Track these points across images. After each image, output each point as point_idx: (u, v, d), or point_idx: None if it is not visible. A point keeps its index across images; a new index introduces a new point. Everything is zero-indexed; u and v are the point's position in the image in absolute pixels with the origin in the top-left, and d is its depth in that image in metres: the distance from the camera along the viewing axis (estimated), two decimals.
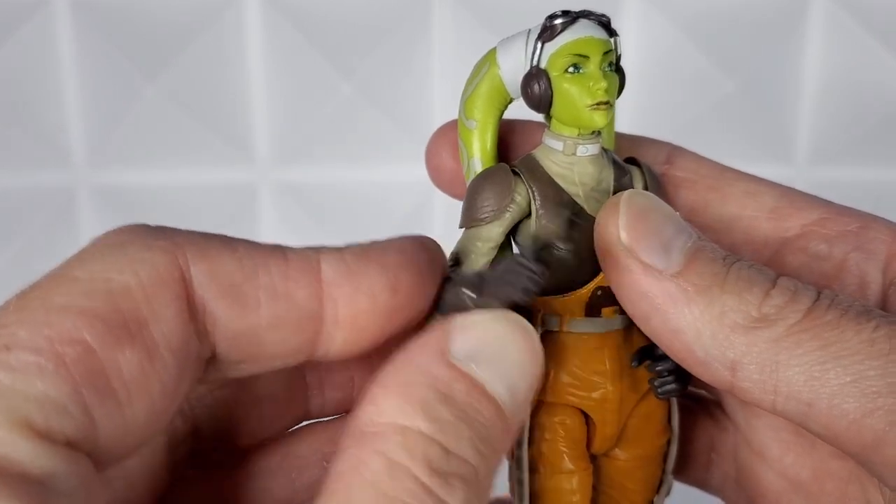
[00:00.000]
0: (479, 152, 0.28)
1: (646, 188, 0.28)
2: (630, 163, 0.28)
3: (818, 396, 0.22)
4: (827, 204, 0.29)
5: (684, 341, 0.24)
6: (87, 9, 0.58)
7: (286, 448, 0.29)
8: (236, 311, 0.22)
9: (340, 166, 0.60)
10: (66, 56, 0.58)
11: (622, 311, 0.26)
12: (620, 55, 0.27)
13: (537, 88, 0.26)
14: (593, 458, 0.30)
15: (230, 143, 0.60)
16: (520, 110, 0.28)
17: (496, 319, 0.23)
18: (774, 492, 0.30)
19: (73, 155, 0.60)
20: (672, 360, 0.26)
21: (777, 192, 0.29)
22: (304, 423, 0.30)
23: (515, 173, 0.27)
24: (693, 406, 0.32)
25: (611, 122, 0.29)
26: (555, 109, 0.26)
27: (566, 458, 0.28)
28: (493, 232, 0.27)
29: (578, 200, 0.27)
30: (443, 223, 0.60)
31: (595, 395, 0.28)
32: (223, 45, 0.59)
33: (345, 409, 0.30)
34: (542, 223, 0.27)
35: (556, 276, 0.27)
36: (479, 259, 0.27)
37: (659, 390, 0.28)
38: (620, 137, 0.30)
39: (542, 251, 0.26)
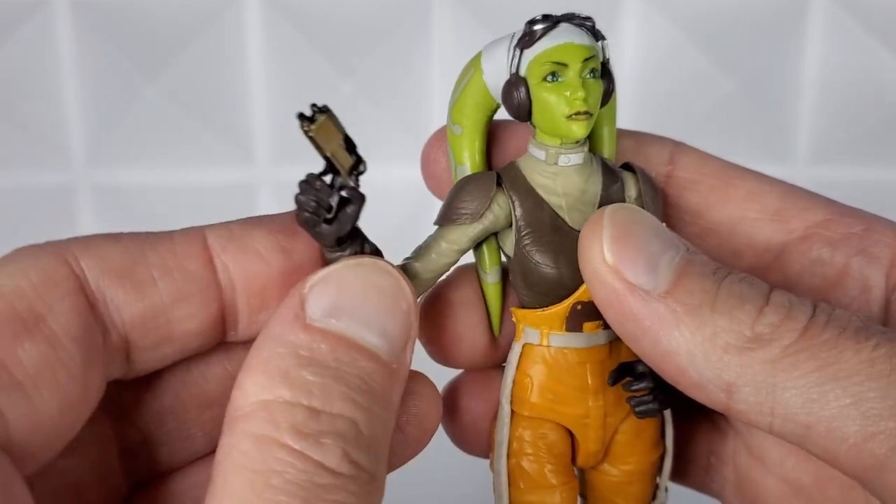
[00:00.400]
0: (467, 159, 0.27)
1: (640, 195, 0.27)
2: (626, 168, 0.27)
3: (817, 419, 0.21)
4: (831, 204, 0.28)
5: (677, 364, 0.23)
6: (87, 9, 0.58)
7: None
8: (134, 293, 0.23)
9: None
10: (66, 56, 0.58)
11: (607, 326, 0.25)
12: (608, 59, 0.26)
13: (516, 97, 0.25)
14: (583, 472, 0.29)
15: (230, 143, 0.60)
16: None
17: (347, 267, 0.23)
18: (775, 497, 0.29)
19: (72, 155, 0.60)
20: (651, 379, 0.26)
21: (780, 191, 0.29)
22: None
23: (500, 183, 0.26)
24: (692, 410, 0.31)
25: (611, 127, 0.28)
26: (535, 118, 0.25)
27: (547, 474, 0.27)
28: (462, 237, 0.26)
29: (560, 212, 0.26)
30: None
31: (575, 411, 0.27)
32: (223, 45, 0.59)
33: None
34: (521, 235, 0.26)
35: (536, 289, 0.26)
36: (439, 259, 0.26)
37: (636, 410, 0.27)
38: (623, 135, 0.29)
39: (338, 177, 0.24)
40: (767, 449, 0.29)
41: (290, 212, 0.25)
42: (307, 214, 0.23)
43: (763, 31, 0.60)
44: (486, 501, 0.28)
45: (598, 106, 0.25)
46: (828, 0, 0.59)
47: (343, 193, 0.23)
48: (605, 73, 0.26)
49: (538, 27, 0.25)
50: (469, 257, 0.28)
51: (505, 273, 0.28)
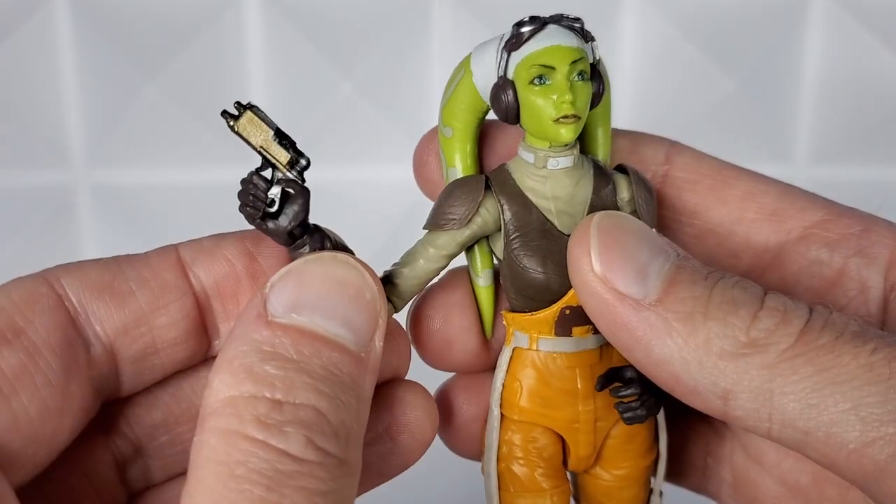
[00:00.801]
0: (458, 161, 0.27)
1: (632, 198, 0.26)
2: (620, 169, 0.27)
3: (816, 425, 0.21)
4: (829, 204, 0.28)
5: (671, 372, 0.22)
6: (87, 9, 0.58)
7: None
8: (114, 304, 0.24)
9: (339, 165, 0.60)
10: (66, 56, 0.58)
11: (597, 331, 0.25)
12: (599, 60, 0.25)
13: (504, 100, 0.25)
14: (576, 476, 0.29)
15: (230, 143, 0.60)
16: None
17: (306, 263, 0.23)
18: (772, 497, 0.29)
19: (72, 155, 0.60)
20: (639, 385, 0.26)
21: (778, 191, 0.28)
22: None
23: (490, 186, 0.26)
24: (688, 412, 0.31)
25: (605, 128, 0.28)
26: (523, 121, 0.25)
27: (537, 477, 0.27)
28: (450, 242, 0.26)
29: (549, 216, 0.26)
30: None
31: (565, 415, 0.27)
32: (223, 45, 0.59)
33: None
34: (510, 239, 0.26)
35: (524, 293, 0.26)
36: (427, 264, 0.26)
37: (624, 416, 0.26)
38: (618, 135, 0.29)
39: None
40: (765, 450, 0.29)
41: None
42: (247, 209, 0.24)
43: (763, 31, 0.60)
44: None
45: (587, 108, 0.25)
46: None
47: (284, 188, 0.23)
48: (594, 74, 0.25)
49: (525, 29, 0.25)
50: (462, 260, 0.28)
51: (497, 276, 0.28)
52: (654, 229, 0.25)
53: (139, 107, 0.59)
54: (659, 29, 0.59)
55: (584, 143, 0.28)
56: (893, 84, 0.61)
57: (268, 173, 0.24)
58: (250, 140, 0.24)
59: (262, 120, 0.24)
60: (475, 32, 0.59)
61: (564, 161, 0.26)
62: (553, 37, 0.25)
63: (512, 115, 0.25)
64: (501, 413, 0.27)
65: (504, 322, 0.28)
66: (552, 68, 0.24)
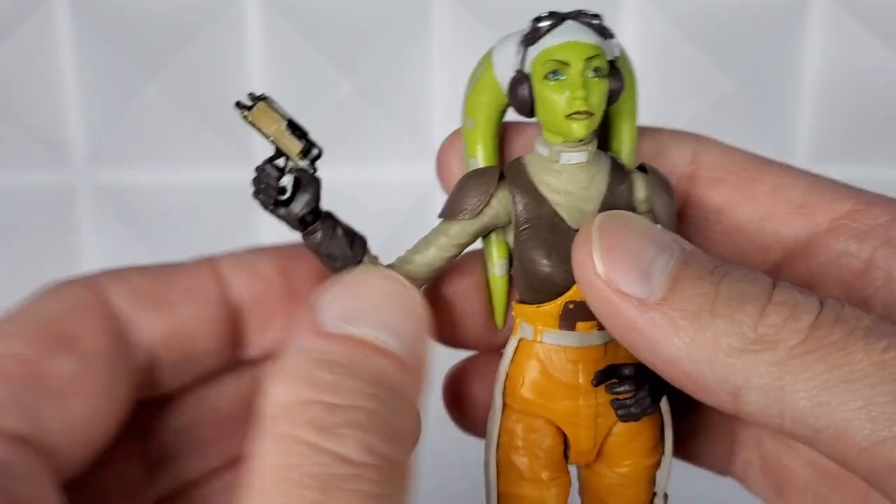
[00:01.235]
0: (478, 153, 0.27)
1: (648, 197, 0.26)
2: (641, 169, 0.27)
3: (826, 423, 0.21)
4: (858, 193, 0.28)
5: (681, 370, 0.22)
6: (87, 8, 0.58)
7: None
8: (156, 314, 0.26)
9: (339, 165, 0.60)
10: (66, 56, 0.58)
11: (602, 327, 0.25)
12: (617, 57, 0.25)
13: (520, 94, 0.25)
14: (580, 470, 0.29)
15: (230, 143, 0.60)
16: None
17: (356, 278, 0.24)
18: (802, 480, 0.29)
19: (72, 155, 0.60)
20: (634, 382, 0.26)
21: (806, 183, 0.28)
22: None
23: (505, 178, 0.26)
24: None
25: (631, 125, 0.28)
26: (538, 115, 0.25)
27: (535, 468, 0.27)
28: (462, 232, 0.27)
29: (559, 210, 0.26)
30: None
31: (565, 409, 0.27)
32: (223, 45, 0.59)
33: None
34: (519, 231, 0.26)
35: (532, 285, 0.26)
36: (439, 253, 0.27)
37: (618, 413, 0.27)
38: (644, 135, 0.29)
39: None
40: None
41: (293, 241, 0.27)
42: (260, 196, 0.25)
43: (763, 31, 0.60)
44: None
45: (603, 105, 0.25)
46: None
47: (296, 176, 0.24)
48: (613, 71, 0.25)
49: (543, 24, 0.25)
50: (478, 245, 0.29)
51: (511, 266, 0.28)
52: (662, 227, 0.24)
53: (139, 107, 0.59)
54: (659, 29, 0.59)
55: (608, 139, 0.28)
56: (893, 84, 0.61)
57: (281, 162, 0.25)
58: (263, 130, 0.24)
59: (275, 111, 0.24)
60: (475, 32, 0.59)
61: (577, 156, 0.26)
62: (569, 33, 0.25)
63: (527, 108, 0.26)
64: (504, 402, 0.28)
65: (513, 312, 0.28)
66: (566, 64, 0.24)
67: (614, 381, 0.26)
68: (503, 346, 0.28)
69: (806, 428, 0.21)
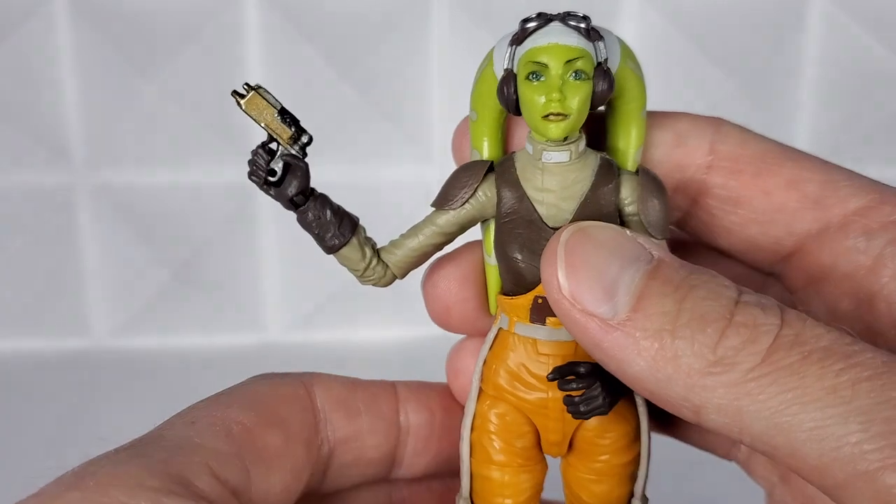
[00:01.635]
0: (481, 144, 0.28)
1: (637, 200, 0.26)
2: (640, 172, 0.27)
3: (781, 442, 0.21)
4: (873, 189, 0.28)
5: (644, 387, 0.23)
6: (87, 9, 0.58)
7: None
8: (346, 418, 0.29)
9: (339, 166, 0.60)
10: (66, 56, 0.58)
11: None
12: (605, 60, 0.26)
13: (506, 92, 0.26)
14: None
15: (229, 143, 0.60)
16: None
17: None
18: None
19: (72, 155, 0.60)
20: (583, 381, 0.26)
21: (822, 178, 0.29)
22: None
23: (494, 172, 0.27)
24: None
25: (639, 127, 0.28)
26: (522, 114, 0.26)
27: (499, 451, 0.28)
28: (448, 222, 0.27)
29: (538, 206, 0.26)
30: None
31: (534, 399, 0.27)
32: (223, 45, 0.59)
33: None
34: (500, 224, 0.27)
35: (507, 277, 0.27)
36: (426, 240, 0.27)
37: (568, 410, 0.27)
38: (661, 125, 0.29)
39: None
40: None
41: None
42: (251, 177, 0.27)
43: (763, 31, 0.60)
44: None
45: (583, 107, 0.25)
46: (827, 0, 0.59)
47: (287, 161, 0.26)
48: (600, 74, 0.25)
49: (529, 25, 0.25)
50: (478, 234, 0.29)
51: None
52: (633, 235, 0.25)
53: (139, 107, 0.60)
54: (659, 29, 0.59)
55: (615, 139, 0.28)
56: (893, 84, 0.61)
57: (274, 147, 0.27)
58: (256, 117, 0.26)
59: (267, 100, 0.26)
60: (473, 33, 0.59)
61: (557, 156, 0.26)
62: (551, 35, 0.25)
63: (512, 107, 0.26)
64: (480, 387, 0.29)
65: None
66: (546, 66, 0.25)
67: (571, 377, 0.27)
68: None
69: (763, 445, 0.22)
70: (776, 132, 0.61)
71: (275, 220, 0.62)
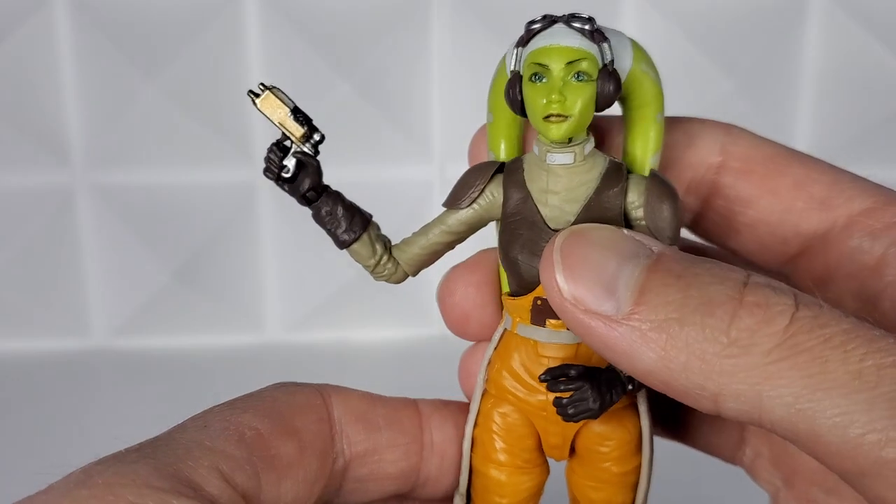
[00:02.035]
0: (497, 146, 0.28)
1: (642, 204, 0.26)
2: (650, 176, 0.27)
3: (804, 428, 0.21)
4: (878, 192, 0.28)
5: (659, 379, 0.22)
6: (87, 8, 0.58)
7: None
8: (364, 432, 0.28)
9: (339, 166, 0.60)
10: (66, 56, 0.58)
11: None
12: (610, 62, 0.25)
13: (511, 94, 0.26)
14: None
15: (229, 143, 0.60)
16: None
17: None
18: (811, 470, 0.29)
19: (71, 155, 0.60)
20: (578, 384, 0.26)
21: (829, 179, 0.29)
22: None
23: (503, 173, 0.27)
24: None
25: (657, 131, 0.28)
26: (527, 115, 0.26)
27: (500, 451, 0.28)
28: (456, 221, 0.27)
29: (542, 209, 0.26)
30: None
31: (534, 401, 0.27)
32: (222, 45, 0.59)
33: None
34: (504, 224, 0.27)
35: (509, 278, 0.27)
36: (436, 238, 0.28)
37: (557, 412, 0.26)
38: (673, 127, 0.29)
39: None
40: None
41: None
42: (266, 173, 0.27)
43: (763, 31, 0.60)
44: None
45: (585, 110, 0.25)
46: None
47: (300, 158, 0.27)
48: (605, 76, 0.25)
49: (534, 27, 0.25)
50: (493, 241, 0.29)
51: None
52: (629, 232, 0.24)
53: (139, 107, 0.60)
54: (659, 29, 0.59)
55: (628, 144, 0.28)
56: (893, 84, 0.61)
57: (288, 144, 0.28)
58: (270, 116, 0.27)
59: (281, 99, 0.27)
60: (473, 33, 0.59)
61: (561, 157, 0.26)
62: (553, 36, 0.25)
63: (517, 108, 0.26)
64: (484, 386, 0.29)
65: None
66: (547, 67, 0.25)
67: (562, 378, 0.26)
68: None
69: (784, 430, 0.21)
70: (776, 132, 0.61)
71: (275, 220, 0.62)
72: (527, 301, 0.27)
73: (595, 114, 0.26)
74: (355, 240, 0.27)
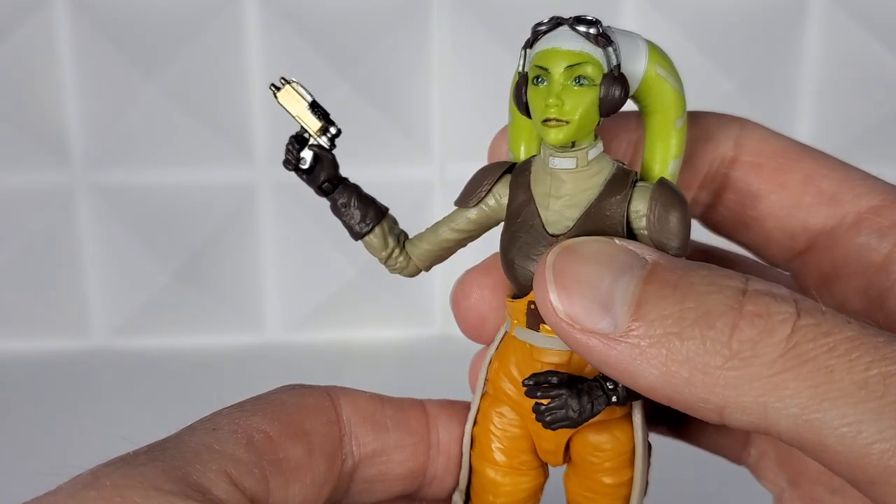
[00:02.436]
0: (517, 147, 0.28)
1: (645, 212, 0.26)
2: (658, 182, 0.26)
3: (811, 438, 0.20)
4: (887, 189, 0.28)
5: (663, 395, 0.22)
6: (87, 8, 0.58)
7: None
8: (373, 433, 0.28)
9: (340, 165, 0.60)
10: (66, 56, 0.58)
11: None
12: (617, 66, 0.25)
13: (517, 95, 0.26)
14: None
15: (230, 143, 0.60)
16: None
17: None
18: (816, 471, 0.29)
19: (71, 155, 0.60)
20: (551, 390, 0.25)
21: (838, 175, 0.29)
22: None
23: (513, 173, 0.27)
24: None
25: (679, 138, 0.27)
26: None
27: (497, 451, 0.28)
28: (463, 220, 0.27)
29: (543, 212, 0.26)
30: None
31: (527, 404, 0.27)
32: (223, 45, 0.59)
33: None
34: (506, 225, 0.27)
35: (510, 280, 0.27)
36: (444, 235, 0.28)
37: (536, 418, 0.26)
38: (688, 114, 0.29)
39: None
40: None
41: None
42: (285, 165, 0.28)
43: (763, 31, 0.60)
44: None
45: (586, 115, 0.25)
46: None
47: (316, 151, 0.28)
48: (611, 80, 0.25)
49: (539, 29, 0.25)
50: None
51: None
52: (621, 242, 0.24)
53: (139, 107, 0.59)
54: (659, 29, 0.59)
55: (647, 150, 0.27)
56: (893, 84, 0.61)
57: (306, 136, 0.28)
58: (289, 109, 0.28)
59: (300, 93, 0.28)
60: (473, 33, 0.59)
61: (563, 162, 0.26)
62: (556, 39, 0.25)
63: (523, 109, 0.26)
64: (485, 388, 0.29)
65: None
66: (546, 70, 0.25)
67: (544, 385, 0.26)
68: None
69: (791, 439, 0.21)
70: (776, 131, 0.61)
71: (275, 220, 0.62)
72: (522, 304, 0.26)
73: (603, 119, 0.25)
74: (368, 231, 0.28)
